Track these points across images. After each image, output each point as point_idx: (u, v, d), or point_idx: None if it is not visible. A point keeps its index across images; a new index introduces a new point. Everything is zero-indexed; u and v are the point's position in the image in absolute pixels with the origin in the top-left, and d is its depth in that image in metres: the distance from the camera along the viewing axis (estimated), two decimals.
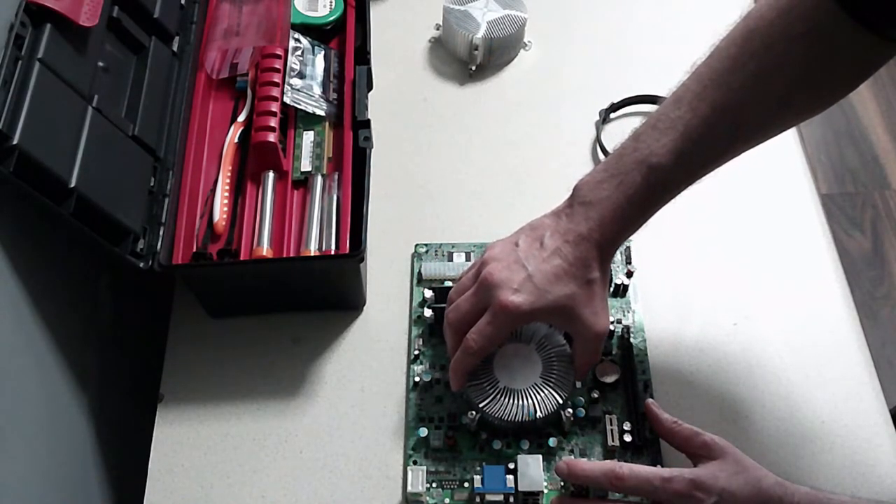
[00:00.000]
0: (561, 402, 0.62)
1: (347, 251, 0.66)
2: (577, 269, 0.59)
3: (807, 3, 0.55)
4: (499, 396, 0.62)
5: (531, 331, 0.64)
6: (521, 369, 0.63)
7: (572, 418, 0.63)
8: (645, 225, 0.61)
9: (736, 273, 0.73)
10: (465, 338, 0.60)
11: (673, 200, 0.60)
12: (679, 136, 0.58)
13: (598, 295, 0.61)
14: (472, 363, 0.61)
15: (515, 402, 0.62)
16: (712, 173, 0.60)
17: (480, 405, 0.62)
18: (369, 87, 0.75)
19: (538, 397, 0.62)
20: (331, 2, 0.81)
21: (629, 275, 0.71)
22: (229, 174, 0.72)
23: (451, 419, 0.65)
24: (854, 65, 0.57)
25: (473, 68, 0.86)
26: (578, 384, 0.65)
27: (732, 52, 0.58)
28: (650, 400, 0.64)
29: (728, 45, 0.58)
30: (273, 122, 0.71)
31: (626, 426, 0.64)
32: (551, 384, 0.62)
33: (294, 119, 0.74)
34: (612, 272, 0.70)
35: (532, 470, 0.60)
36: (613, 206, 0.59)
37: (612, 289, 0.71)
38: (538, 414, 0.62)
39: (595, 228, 0.59)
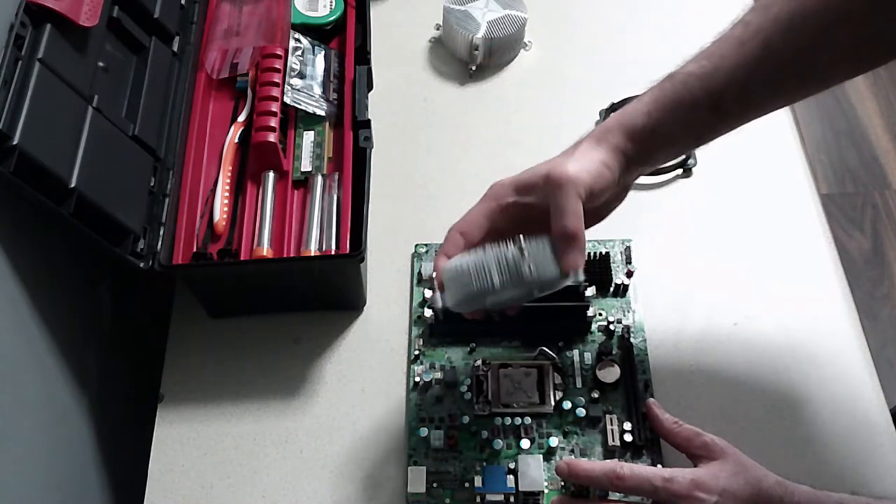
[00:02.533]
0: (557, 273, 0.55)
1: (347, 251, 0.66)
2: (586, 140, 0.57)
3: None
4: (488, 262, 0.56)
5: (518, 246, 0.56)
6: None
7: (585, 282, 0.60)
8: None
9: (736, 273, 0.73)
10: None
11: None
12: (737, 60, 0.54)
13: (581, 149, 0.56)
14: (454, 239, 0.58)
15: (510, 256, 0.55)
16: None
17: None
18: (369, 87, 0.75)
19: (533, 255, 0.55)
20: (331, 2, 0.81)
21: (629, 275, 0.71)
22: (229, 174, 0.72)
23: (451, 419, 0.65)
24: None
25: (473, 68, 0.86)
26: (579, 382, 0.65)
27: (783, 17, 0.53)
28: (651, 400, 0.64)
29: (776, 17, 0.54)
30: (273, 122, 0.71)
31: (627, 426, 0.64)
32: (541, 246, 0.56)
33: (294, 119, 0.74)
34: (612, 272, 0.71)
35: (532, 470, 0.60)
36: (638, 102, 0.56)
37: (612, 289, 0.71)
38: (532, 270, 0.54)
39: (615, 124, 0.56)
